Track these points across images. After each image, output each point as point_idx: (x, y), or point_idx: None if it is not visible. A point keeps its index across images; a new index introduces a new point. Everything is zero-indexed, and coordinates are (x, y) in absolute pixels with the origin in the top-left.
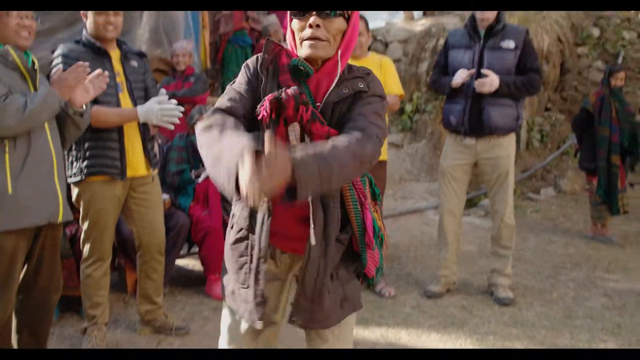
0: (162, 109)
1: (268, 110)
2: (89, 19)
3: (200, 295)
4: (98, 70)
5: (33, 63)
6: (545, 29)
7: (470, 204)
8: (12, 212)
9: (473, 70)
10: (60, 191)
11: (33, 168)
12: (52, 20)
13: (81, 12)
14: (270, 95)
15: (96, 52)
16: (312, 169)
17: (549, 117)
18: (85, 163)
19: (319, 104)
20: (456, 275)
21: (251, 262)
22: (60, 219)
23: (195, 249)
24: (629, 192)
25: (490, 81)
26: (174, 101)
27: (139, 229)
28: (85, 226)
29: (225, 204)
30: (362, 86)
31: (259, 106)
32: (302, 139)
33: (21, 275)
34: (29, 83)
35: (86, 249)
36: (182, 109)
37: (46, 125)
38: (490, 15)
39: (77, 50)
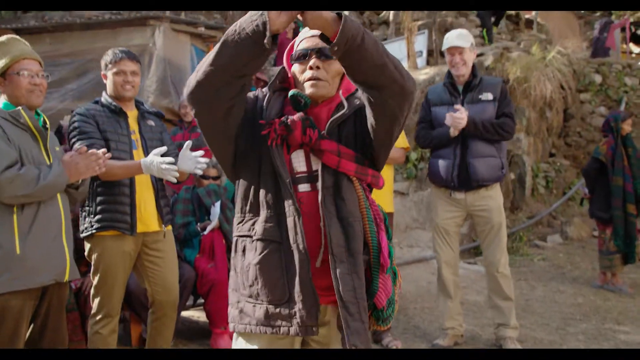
0: (161, 161)
1: (277, 133)
2: (109, 79)
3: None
4: (103, 150)
5: (44, 122)
6: (548, 76)
7: (476, 252)
8: (19, 273)
9: (459, 106)
10: (67, 250)
11: (41, 229)
12: (62, 71)
13: (102, 73)
14: (276, 119)
15: (113, 111)
16: (356, 24)
17: (553, 163)
18: (96, 218)
19: (323, 130)
20: (463, 327)
21: (287, 272)
22: (67, 277)
23: (201, 300)
24: None
25: (459, 119)
26: (201, 152)
27: (152, 287)
28: (95, 281)
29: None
30: (358, 102)
31: (265, 127)
32: (308, 164)
33: (27, 334)
34: (40, 143)
35: (95, 304)
36: (175, 168)
37: None
38: (466, 71)
39: (94, 110)
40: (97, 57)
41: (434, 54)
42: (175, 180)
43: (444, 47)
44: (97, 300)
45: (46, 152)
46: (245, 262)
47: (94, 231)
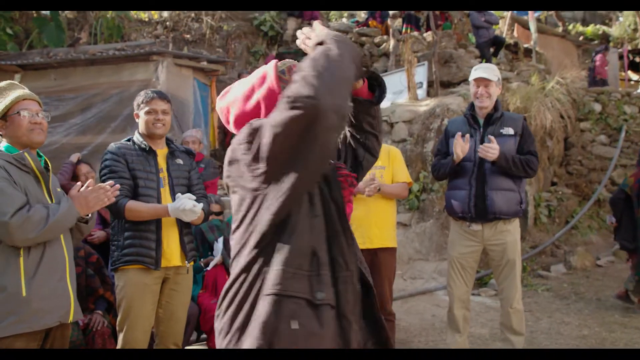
0: (193, 210)
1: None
2: (141, 118)
3: None
4: (110, 182)
5: (46, 164)
6: (547, 106)
7: (480, 282)
8: (25, 315)
9: (468, 136)
10: (71, 290)
11: (47, 271)
12: (66, 106)
13: (134, 113)
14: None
15: (143, 150)
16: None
17: (555, 192)
18: (123, 252)
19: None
20: None
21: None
22: (71, 318)
23: (204, 336)
24: None
25: (495, 147)
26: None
27: (159, 318)
28: (119, 315)
29: None
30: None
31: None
32: None
33: None
34: (42, 185)
35: (120, 338)
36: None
37: None
38: (489, 104)
39: (125, 148)
40: (101, 92)
41: (434, 85)
42: (195, 218)
43: (471, 78)
44: (121, 335)
45: (48, 193)
46: (314, 326)
47: (119, 264)
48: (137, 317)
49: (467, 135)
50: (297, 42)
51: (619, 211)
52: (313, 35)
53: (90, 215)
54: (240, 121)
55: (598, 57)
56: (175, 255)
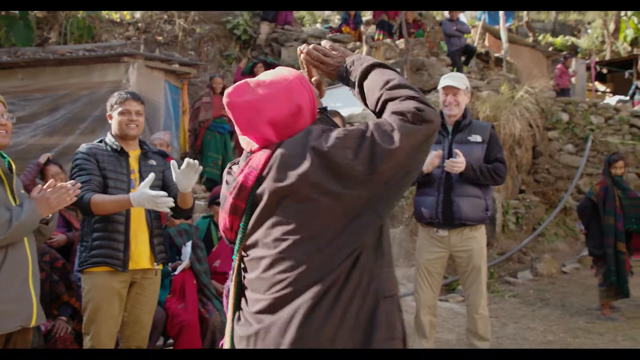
0: (154, 194)
1: None
2: (114, 119)
3: None
4: (71, 182)
5: (10, 165)
6: (516, 114)
7: (448, 289)
8: None
9: (440, 151)
10: (34, 295)
11: (9, 274)
12: (33, 106)
13: (107, 114)
14: None
15: (115, 150)
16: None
17: (523, 200)
18: (91, 253)
19: None
20: None
21: None
22: (33, 323)
23: (171, 341)
24: None
25: (461, 161)
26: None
27: (125, 322)
28: (85, 318)
29: (202, 296)
30: None
31: None
32: None
33: None
34: (6, 186)
35: (85, 341)
36: (171, 200)
37: None
38: (458, 112)
39: (96, 148)
40: (70, 93)
41: None
42: (168, 210)
43: (440, 86)
44: (87, 339)
45: (12, 195)
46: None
47: (88, 266)
48: (104, 321)
49: (440, 151)
50: (304, 55)
51: (586, 219)
52: (334, 55)
53: (50, 216)
54: (279, 123)
55: (558, 66)
56: (144, 257)
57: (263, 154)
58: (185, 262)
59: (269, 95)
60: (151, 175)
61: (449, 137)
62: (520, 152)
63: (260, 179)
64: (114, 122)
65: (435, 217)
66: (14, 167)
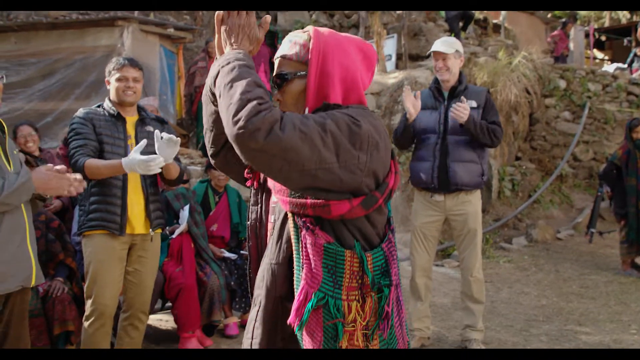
0: (145, 159)
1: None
2: (111, 85)
3: None
4: (78, 176)
5: (2, 125)
6: (513, 81)
7: (444, 254)
8: None
9: (419, 92)
10: (33, 255)
11: (6, 236)
12: (28, 71)
13: (106, 79)
14: None
15: (112, 116)
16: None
17: (519, 167)
18: (89, 217)
19: None
20: (430, 330)
21: None
22: (33, 283)
23: (169, 304)
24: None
25: (464, 108)
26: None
27: (128, 285)
28: (87, 281)
29: (200, 260)
30: None
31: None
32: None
33: None
34: None
35: (88, 305)
36: (162, 160)
37: None
38: (449, 77)
39: (93, 113)
40: (64, 58)
41: (403, 58)
42: (159, 170)
43: (430, 52)
44: (89, 302)
45: (5, 156)
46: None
47: (85, 229)
48: (105, 283)
49: (418, 92)
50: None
51: (612, 182)
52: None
53: (49, 196)
54: (345, 79)
55: (555, 32)
56: (140, 223)
57: None
58: (182, 225)
59: (337, 43)
60: (143, 142)
61: (445, 103)
62: (516, 119)
63: None
64: (111, 88)
65: (431, 183)
66: (5, 128)
